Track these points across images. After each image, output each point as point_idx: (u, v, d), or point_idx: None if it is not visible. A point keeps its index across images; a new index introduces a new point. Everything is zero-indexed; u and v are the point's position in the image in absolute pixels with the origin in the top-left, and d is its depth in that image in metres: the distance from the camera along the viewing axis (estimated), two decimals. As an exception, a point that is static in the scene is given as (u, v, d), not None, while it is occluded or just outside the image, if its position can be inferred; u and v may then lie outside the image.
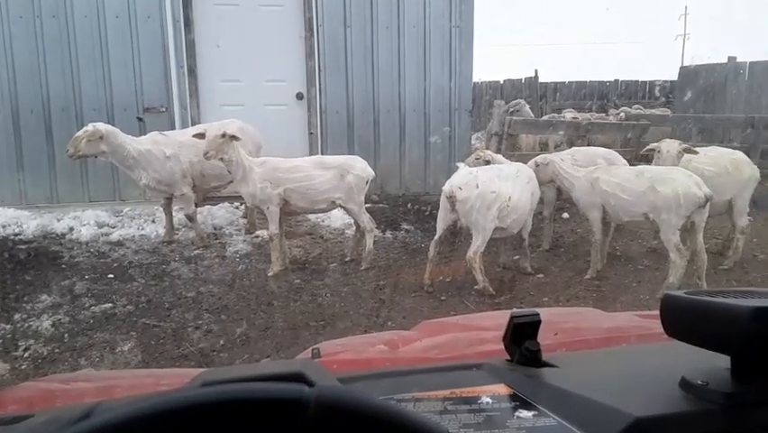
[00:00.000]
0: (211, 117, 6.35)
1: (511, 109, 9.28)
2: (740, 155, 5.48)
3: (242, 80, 7.00)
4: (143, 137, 5.43)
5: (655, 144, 5.12)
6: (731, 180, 5.16)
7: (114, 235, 5.77)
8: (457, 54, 7.36)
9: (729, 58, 9.81)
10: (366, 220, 5.11)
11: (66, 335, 3.87)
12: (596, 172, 4.84)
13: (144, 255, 5.36)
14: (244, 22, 6.90)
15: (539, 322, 0.92)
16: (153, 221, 5.83)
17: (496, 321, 1.25)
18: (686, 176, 4.48)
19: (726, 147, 6.00)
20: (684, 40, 32.36)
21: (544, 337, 0.95)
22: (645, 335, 1.25)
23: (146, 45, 6.63)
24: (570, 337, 1.28)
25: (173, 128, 6.38)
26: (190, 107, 6.76)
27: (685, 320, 0.80)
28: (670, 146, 4.98)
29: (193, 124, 6.33)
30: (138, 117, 6.55)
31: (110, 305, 4.31)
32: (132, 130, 5.75)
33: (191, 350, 3.69)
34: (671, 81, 14.84)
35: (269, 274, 4.88)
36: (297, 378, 0.59)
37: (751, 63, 9.56)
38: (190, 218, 5.50)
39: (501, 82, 17.85)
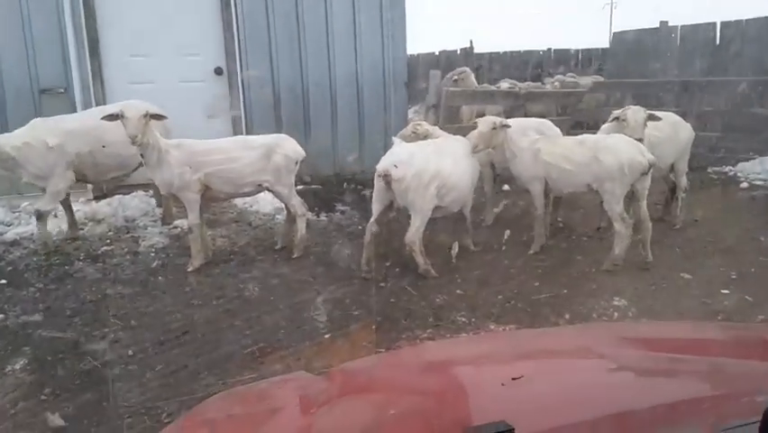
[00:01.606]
0: (118, 97, 5.69)
1: (455, 77, 8.81)
2: (677, 118, 5.45)
3: (153, 55, 6.34)
4: (19, 129, 4.69)
5: (619, 112, 4.73)
6: (673, 144, 5.14)
7: (10, 234, 5.10)
8: (390, 25, 6.95)
9: (661, 22, 9.80)
10: (297, 204, 4.72)
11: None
12: (538, 143, 4.59)
13: (44, 256, 4.74)
14: (153, -10, 6.23)
15: None
16: (56, 216, 5.17)
17: (428, 360, 0.96)
18: (629, 143, 4.33)
19: (662, 111, 5.86)
20: (612, 8, 33.10)
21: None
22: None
23: (39, 20, 5.87)
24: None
25: (74, 111, 5.68)
26: (93, 87, 6.04)
27: None
28: (636, 114, 4.58)
29: (98, 105, 5.68)
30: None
31: (1, 316, 3.77)
32: (26, 115, 5.09)
33: (94, 364, 3.23)
34: (602, 49, 14.93)
35: (189, 270, 4.42)
36: None
37: (682, 27, 9.57)
38: (40, 215, 4.74)
39: (437, 54, 17.57)
